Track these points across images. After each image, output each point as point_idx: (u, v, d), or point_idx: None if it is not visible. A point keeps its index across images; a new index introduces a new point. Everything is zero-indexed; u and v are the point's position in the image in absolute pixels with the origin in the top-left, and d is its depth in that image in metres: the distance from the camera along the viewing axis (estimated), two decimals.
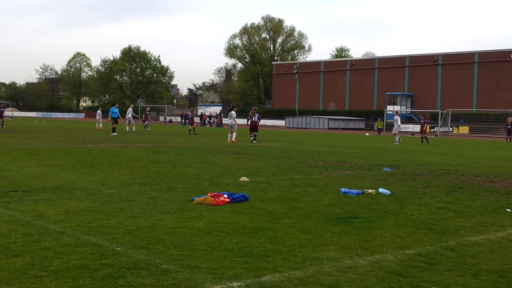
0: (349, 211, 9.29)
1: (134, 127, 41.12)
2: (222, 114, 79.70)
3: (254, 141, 28.74)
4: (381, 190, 11.68)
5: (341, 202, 10.26)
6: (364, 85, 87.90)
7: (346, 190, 11.52)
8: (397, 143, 35.35)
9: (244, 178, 13.21)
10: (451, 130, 65.13)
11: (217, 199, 9.74)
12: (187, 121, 77.46)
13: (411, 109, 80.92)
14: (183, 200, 9.98)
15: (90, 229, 7.34)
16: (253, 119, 29.83)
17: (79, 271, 5.50)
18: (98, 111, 50.04)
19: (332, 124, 77.69)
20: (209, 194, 10.05)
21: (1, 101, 47.28)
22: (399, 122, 37.65)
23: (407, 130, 69.77)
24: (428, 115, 76.42)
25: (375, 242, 7.16)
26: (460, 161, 21.26)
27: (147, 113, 54.61)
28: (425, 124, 39.44)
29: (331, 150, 25.74)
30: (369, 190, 11.58)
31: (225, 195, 10.00)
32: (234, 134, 29.93)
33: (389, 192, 11.51)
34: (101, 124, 46.99)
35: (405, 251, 6.73)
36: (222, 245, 6.71)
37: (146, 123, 51.64)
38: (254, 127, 29.67)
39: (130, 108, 42.30)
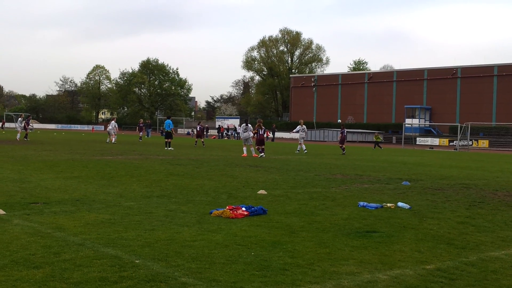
0: (368, 225, 9.24)
1: (113, 139, 40.72)
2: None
3: (263, 155, 28.39)
4: (400, 204, 11.61)
5: (359, 216, 10.21)
6: (382, 98, 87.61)
7: (365, 204, 11.46)
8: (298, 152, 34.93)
9: (262, 191, 13.20)
10: (471, 143, 64.59)
11: (235, 212, 9.74)
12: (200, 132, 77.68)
13: (429, 122, 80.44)
14: (201, 213, 10.00)
15: (109, 242, 7.38)
16: (260, 132, 29.58)
17: (99, 284, 5.52)
18: (112, 122, 47.91)
19: (350, 137, 77.37)
20: (227, 207, 10.06)
21: (28, 114, 47.05)
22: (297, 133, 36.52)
23: (425, 144, 69.37)
24: (447, 129, 76.17)
25: (395, 256, 7.11)
26: (480, 175, 21.07)
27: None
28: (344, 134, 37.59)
29: (349, 163, 25.65)
30: (388, 204, 11.51)
31: (243, 208, 10.00)
32: (252, 148, 29.55)
33: (408, 206, 11.43)
34: (113, 138, 41.09)
35: (425, 266, 6.68)
36: (241, 258, 6.71)
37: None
38: (261, 141, 29.33)
39: (113, 122, 42.88)
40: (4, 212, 9.29)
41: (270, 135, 68.16)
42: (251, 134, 29.99)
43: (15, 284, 5.42)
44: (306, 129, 36.90)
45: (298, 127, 35.76)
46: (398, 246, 7.70)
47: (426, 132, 79.59)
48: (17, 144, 34.07)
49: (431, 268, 6.59)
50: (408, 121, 76.61)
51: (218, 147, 40.68)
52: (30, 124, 43.13)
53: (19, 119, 44.78)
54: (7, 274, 5.77)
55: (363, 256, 7.07)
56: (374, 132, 78.66)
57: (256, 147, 29.17)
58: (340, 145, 35.87)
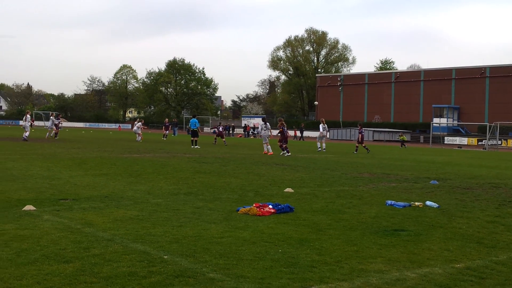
0: (395, 224, 9.18)
1: (139, 138, 42.50)
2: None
3: (289, 153, 28.24)
4: (428, 203, 11.51)
5: (387, 214, 10.15)
6: (410, 98, 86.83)
7: (393, 202, 11.39)
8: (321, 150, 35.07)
9: (289, 189, 13.20)
10: (500, 143, 63.69)
11: (262, 209, 9.75)
12: (227, 131, 77.84)
13: (458, 121, 79.55)
14: (228, 210, 10.03)
15: (137, 237, 7.45)
16: (284, 130, 29.46)
17: (128, 278, 5.58)
18: (137, 122, 48.28)
19: (377, 136, 76.92)
20: (254, 205, 10.07)
21: (58, 113, 46.91)
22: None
23: (454, 143, 68.63)
24: (475, 128, 75.24)
25: (423, 255, 7.06)
26: (509, 174, 20.77)
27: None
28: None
29: (376, 162, 25.50)
30: (416, 203, 11.42)
31: (270, 206, 10.01)
32: (269, 147, 29.68)
33: (437, 205, 11.32)
34: (140, 137, 42.65)
35: (454, 265, 6.62)
36: (268, 255, 6.72)
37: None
38: (286, 139, 29.22)
39: (139, 123, 44.54)
40: (34, 208, 9.44)
41: (299, 134, 68.09)
42: (269, 133, 30.22)
43: (46, 278, 5.50)
44: (327, 128, 37.44)
45: (321, 125, 35.87)
46: (427, 245, 7.64)
47: (454, 131, 78.65)
48: (46, 142, 34.54)
49: (460, 267, 6.52)
50: (436, 120, 75.83)
51: (244, 146, 40.73)
52: (60, 122, 42.93)
53: (51, 117, 44.61)
54: (38, 268, 5.86)
55: (391, 254, 7.03)
56: (400, 132, 78.24)
57: (280, 144, 29.05)
58: (363, 145, 35.63)
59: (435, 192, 13.91)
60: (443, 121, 77.63)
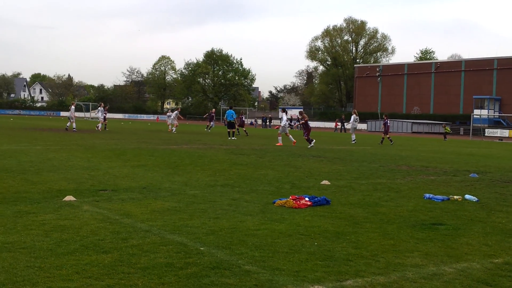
0: (433, 218, 9.08)
1: (171, 128, 43.14)
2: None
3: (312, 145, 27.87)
4: (467, 196, 11.34)
5: (425, 208, 10.04)
6: (450, 88, 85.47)
7: (431, 196, 11.25)
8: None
9: (325, 182, 13.16)
10: None
11: (298, 202, 9.75)
12: (266, 123, 77.78)
13: (499, 113, 77.98)
14: (264, 202, 10.06)
15: (175, 229, 7.54)
16: (307, 123, 29.05)
17: (165, 269, 5.66)
18: (170, 112, 47.71)
19: (416, 128, 75.99)
20: (290, 197, 10.08)
21: (102, 103, 46.24)
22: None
23: (495, 135, 67.35)
24: None
25: (461, 249, 6.97)
26: None
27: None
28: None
29: (414, 154, 25.21)
30: (455, 197, 11.26)
31: (307, 198, 10.00)
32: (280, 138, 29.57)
33: (476, 199, 11.15)
34: (174, 128, 42.93)
35: (492, 260, 6.52)
36: (304, 248, 6.72)
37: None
38: (309, 131, 28.73)
39: (176, 111, 44.94)
40: (74, 199, 9.62)
41: (339, 125, 67.87)
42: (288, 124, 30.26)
43: (85, 268, 5.61)
44: (358, 119, 37.57)
45: (353, 116, 36.13)
46: (465, 239, 7.54)
47: (495, 123, 77.21)
48: (98, 133, 35.11)
49: (499, 262, 6.42)
50: (476, 112, 74.53)
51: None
52: (103, 113, 42.63)
53: (100, 108, 44.24)
54: (78, 258, 5.98)
55: (429, 248, 6.96)
56: (441, 123, 77.02)
57: (306, 138, 28.45)
58: (387, 136, 35.45)
59: (474, 186, 13.70)
60: (484, 112, 76.20)
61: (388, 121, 36.60)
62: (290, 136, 29.68)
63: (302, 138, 29.61)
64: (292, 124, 78.36)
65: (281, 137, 29.51)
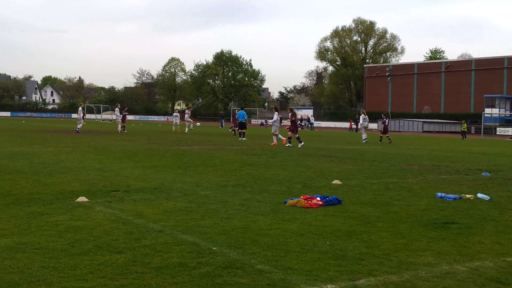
0: (446, 216, 9.05)
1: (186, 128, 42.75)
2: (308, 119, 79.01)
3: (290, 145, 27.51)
4: (479, 195, 11.30)
5: (437, 207, 10.02)
6: (460, 88, 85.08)
7: (443, 194, 11.22)
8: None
9: (336, 181, 13.16)
10: None
11: (310, 201, 9.76)
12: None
13: (510, 111, 77.53)
14: (276, 202, 10.07)
15: (187, 229, 7.57)
16: (296, 120, 28.67)
17: (178, 269, 5.69)
18: (176, 113, 47.87)
19: (427, 127, 75.67)
20: (301, 197, 10.09)
21: (118, 104, 45.77)
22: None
23: (506, 134, 66.97)
24: None
25: (474, 248, 6.95)
26: None
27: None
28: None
29: (426, 154, 25.13)
30: (467, 195, 11.23)
31: (318, 198, 10.01)
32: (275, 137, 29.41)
33: (488, 198, 11.10)
34: (186, 129, 42.64)
35: (505, 258, 6.50)
36: (316, 248, 6.73)
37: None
38: (296, 129, 28.22)
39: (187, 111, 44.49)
40: (87, 200, 9.68)
41: (354, 125, 67.98)
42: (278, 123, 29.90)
43: (99, 268, 5.65)
44: (368, 119, 37.85)
45: (361, 116, 36.75)
46: (478, 238, 7.51)
47: (506, 122, 76.76)
48: (119, 135, 35.26)
49: None
50: (487, 110, 74.09)
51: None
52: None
53: (116, 109, 43.96)
54: (91, 258, 6.02)
55: (441, 247, 6.95)
56: (452, 122, 76.66)
57: (297, 136, 27.79)
58: (386, 135, 35.79)
59: (486, 184, 13.65)
60: (495, 111, 75.74)
61: (387, 120, 36.94)
62: (280, 135, 29.49)
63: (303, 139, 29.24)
64: (303, 124, 78.50)
65: (275, 137, 29.45)
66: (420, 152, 26.48)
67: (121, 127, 41.91)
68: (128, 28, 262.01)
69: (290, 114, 29.51)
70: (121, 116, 42.42)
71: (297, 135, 27.80)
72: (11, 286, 5.06)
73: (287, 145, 27.45)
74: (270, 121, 30.52)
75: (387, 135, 35.88)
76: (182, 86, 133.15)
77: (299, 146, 26.95)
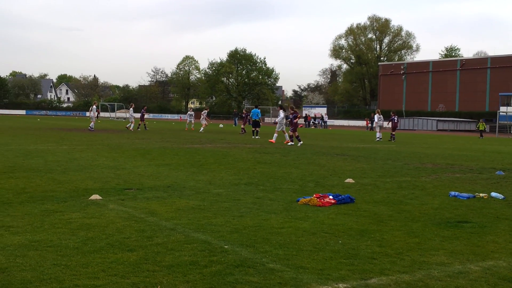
0: (459, 215, 8.99)
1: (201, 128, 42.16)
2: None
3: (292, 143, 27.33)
4: (493, 194, 11.22)
5: (450, 205, 9.96)
6: (476, 86, 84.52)
7: (456, 193, 11.15)
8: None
9: (349, 180, 13.12)
10: None
11: (322, 200, 9.74)
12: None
13: None
14: (288, 200, 10.06)
15: (199, 227, 7.58)
16: (294, 117, 28.42)
17: (190, 267, 5.69)
18: (191, 112, 47.80)
19: (441, 125, 75.28)
20: (314, 195, 10.07)
21: (133, 103, 45.57)
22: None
23: None
24: None
25: (487, 247, 6.90)
26: None
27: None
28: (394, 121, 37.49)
29: (440, 152, 24.99)
30: (481, 194, 11.15)
31: (331, 196, 9.98)
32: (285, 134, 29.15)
33: (502, 197, 11.02)
34: (202, 128, 42.01)
35: None
36: (328, 246, 6.71)
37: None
38: (295, 127, 27.96)
39: (205, 111, 44.37)
40: (100, 198, 9.72)
41: (370, 124, 67.91)
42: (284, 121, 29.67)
43: (111, 266, 5.67)
44: (382, 118, 38.32)
45: (376, 115, 37.55)
46: (491, 237, 7.46)
47: None
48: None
49: None
50: (502, 109, 73.45)
51: (305, 136, 40.59)
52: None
53: (131, 108, 44.11)
54: (104, 256, 6.04)
55: (454, 246, 6.90)
56: (467, 121, 76.12)
57: (296, 134, 27.63)
58: (392, 133, 36.44)
59: (500, 183, 13.54)
60: (510, 109, 75.10)
61: (396, 118, 37.35)
62: (286, 134, 29.11)
63: (305, 139, 29.04)
64: (316, 122, 78.37)
65: (276, 135, 29.18)
66: (434, 150, 26.33)
67: (138, 125, 41.97)
68: (142, 27, 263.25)
69: (290, 112, 28.70)
70: (139, 115, 42.57)
71: (296, 134, 27.73)
72: (23, 284, 5.09)
73: (289, 144, 27.35)
74: (277, 119, 30.45)
75: (393, 132, 36.66)
76: (196, 84, 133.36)
77: (298, 145, 26.89)
